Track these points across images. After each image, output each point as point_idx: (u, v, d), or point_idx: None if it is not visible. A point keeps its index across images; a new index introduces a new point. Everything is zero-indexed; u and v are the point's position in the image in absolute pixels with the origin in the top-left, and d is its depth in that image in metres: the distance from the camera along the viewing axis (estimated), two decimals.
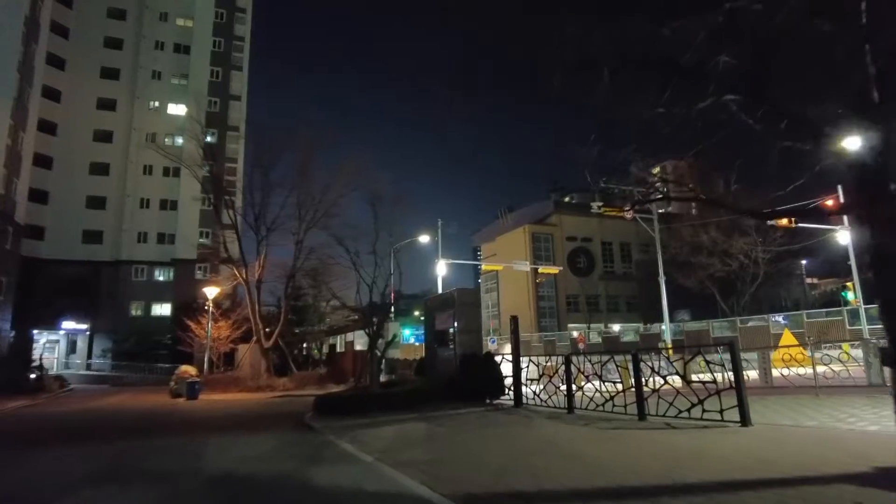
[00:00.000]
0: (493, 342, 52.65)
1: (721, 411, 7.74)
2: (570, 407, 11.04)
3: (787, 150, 5.31)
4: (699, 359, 8.73)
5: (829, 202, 29.82)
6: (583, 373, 11.43)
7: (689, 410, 8.32)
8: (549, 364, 13.81)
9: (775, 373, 11.39)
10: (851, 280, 26.88)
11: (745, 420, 7.40)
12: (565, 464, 5.93)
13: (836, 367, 10.11)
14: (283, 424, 12.79)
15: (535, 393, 12.58)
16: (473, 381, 13.84)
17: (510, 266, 40.64)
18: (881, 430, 6.56)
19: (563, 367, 11.58)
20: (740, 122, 5.41)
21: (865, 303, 25.36)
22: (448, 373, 14.69)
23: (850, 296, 28.30)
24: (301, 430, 11.46)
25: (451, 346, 15.03)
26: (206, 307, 29.56)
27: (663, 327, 33.32)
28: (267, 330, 28.04)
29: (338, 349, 34.18)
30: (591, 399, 10.64)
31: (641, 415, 9.13)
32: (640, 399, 9.14)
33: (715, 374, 8.18)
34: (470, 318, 14.53)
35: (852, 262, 25.40)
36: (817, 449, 5.71)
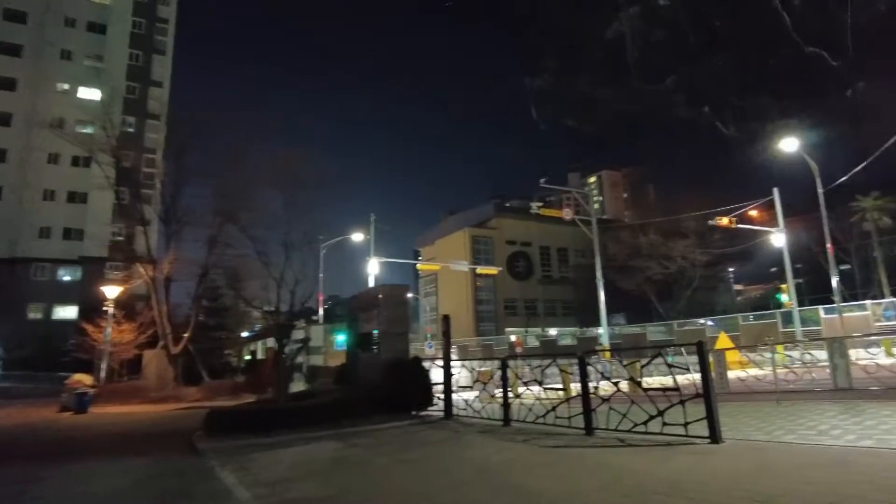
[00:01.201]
0: (431, 347, 51.19)
1: (686, 424, 6.40)
2: (507, 419, 9.56)
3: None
4: (656, 362, 7.42)
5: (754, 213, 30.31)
6: (520, 378, 9.98)
7: (645, 423, 6.96)
8: (483, 369, 12.37)
9: (731, 375, 10.32)
10: (785, 283, 27.19)
11: (715, 436, 6.08)
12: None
13: (799, 370, 9.10)
14: (167, 445, 10.63)
15: (466, 402, 11.05)
16: (399, 390, 12.14)
17: (447, 267, 39.19)
18: (878, 446, 5.37)
19: (499, 373, 10.10)
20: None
21: (798, 305, 25.60)
22: (372, 381, 12.93)
23: (784, 298, 28.68)
24: (183, 454, 9.39)
25: (376, 351, 13.27)
26: (106, 309, 26.39)
27: (600, 331, 32.73)
28: (184, 335, 25.30)
29: (259, 356, 31.58)
30: (531, 409, 9.18)
31: (589, 428, 7.72)
32: (588, 410, 7.74)
33: (676, 380, 6.85)
34: (397, 319, 12.83)
35: (787, 265, 25.57)
36: (821, 474, 4.39)
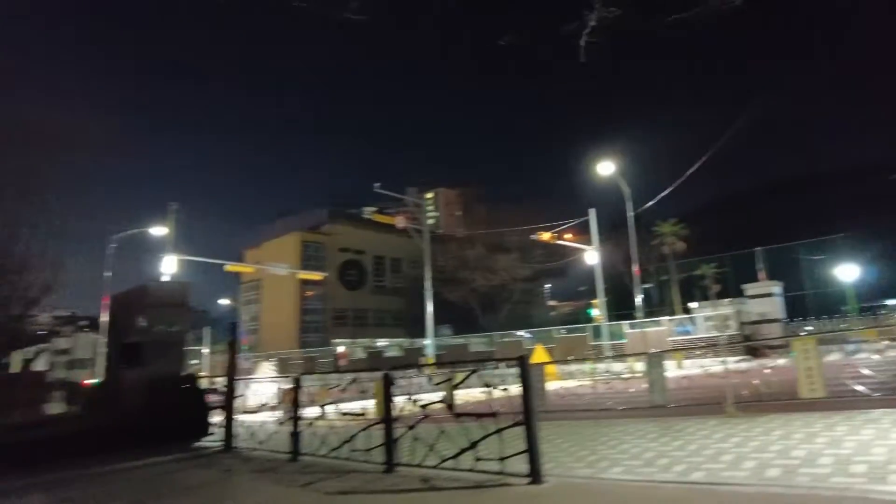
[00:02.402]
0: (247, 360, 47.01)
1: (502, 459, 5.13)
2: (295, 451, 7.68)
3: None
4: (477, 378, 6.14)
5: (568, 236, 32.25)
6: (314, 400, 8.21)
7: (456, 457, 5.58)
8: (290, 387, 10.35)
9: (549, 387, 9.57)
10: (595, 300, 29.02)
11: (536, 474, 4.87)
12: None
13: (619, 385, 8.56)
14: None
15: (263, 425, 8.98)
16: (166, 416, 9.59)
17: (269, 272, 35.85)
18: (712, 482, 4.55)
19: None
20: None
21: (608, 320, 27.42)
22: (135, 404, 10.13)
23: (594, 312, 30.65)
24: None
25: (144, 366, 10.47)
26: None
27: (427, 342, 32.09)
28: None
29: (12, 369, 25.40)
30: (324, 441, 7.42)
31: (390, 464, 6.18)
32: (390, 441, 6.19)
33: (492, 405, 5.58)
34: (170, 326, 10.22)
35: (599, 281, 27.21)
36: None
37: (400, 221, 30.98)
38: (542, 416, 9.37)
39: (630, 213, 25.41)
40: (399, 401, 6.59)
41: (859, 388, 6.68)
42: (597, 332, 28.96)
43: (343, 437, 7.14)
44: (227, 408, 9.27)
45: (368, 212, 30.13)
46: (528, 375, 5.14)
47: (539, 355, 26.24)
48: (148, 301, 10.45)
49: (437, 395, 6.48)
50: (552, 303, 73.96)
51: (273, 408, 13.17)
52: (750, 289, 29.39)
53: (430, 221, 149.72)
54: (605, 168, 26.36)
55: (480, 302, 43.74)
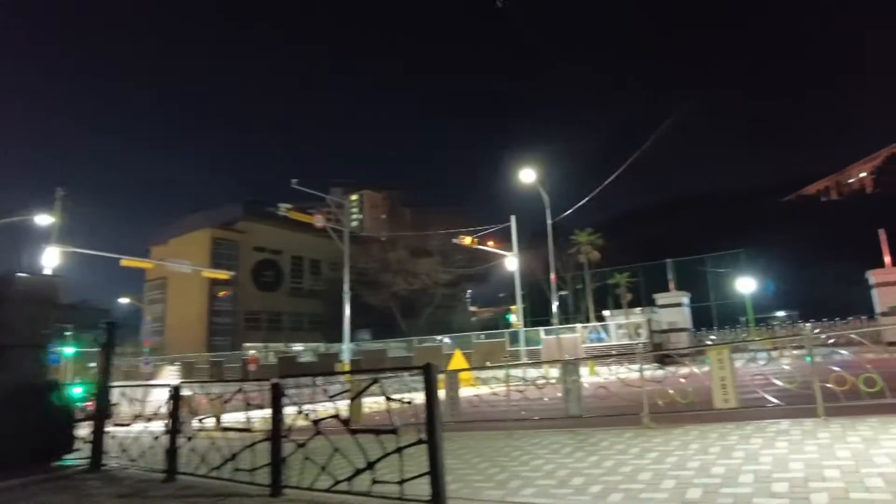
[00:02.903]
0: (148, 363, 43.79)
1: (402, 482, 4.49)
2: (171, 471, 6.68)
3: None
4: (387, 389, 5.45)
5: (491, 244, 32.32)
6: (193, 412, 7.24)
7: (352, 479, 4.88)
8: (187, 394, 9.16)
9: (464, 394, 9.05)
10: (514, 306, 29.12)
11: (439, 498, 4.26)
12: None
13: (534, 394, 8.16)
14: None
15: (123, 447, 7.81)
16: (24, 429, 8.20)
17: (165, 266, 33.35)
18: (629, 503, 4.11)
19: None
20: None
21: (525, 325, 27.55)
22: None
23: (512, 318, 30.76)
24: None
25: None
26: None
27: (344, 347, 30.96)
28: None
29: None
30: (204, 458, 6.48)
31: (277, 486, 5.38)
32: (277, 461, 5.40)
33: (394, 418, 4.93)
34: (27, 325, 8.81)
35: (517, 287, 27.30)
36: None
37: (318, 220, 29.68)
38: (455, 427, 8.84)
39: (549, 221, 25.67)
40: (291, 412, 5.80)
41: (770, 398, 6.60)
42: (514, 338, 29.02)
43: (226, 454, 6.23)
44: (98, 419, 8.07)
45: (284, 208, 28.61)
46: (434, 387, 4.53)
47: (457, 361, 25.88)
48: (7, 294, 8.96)
49: (340, 406, 5.74)
50: (473, 308, 74.41)
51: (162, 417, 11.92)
52: (660, 298, 30.57)
53: (354, 223, 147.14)
54: (527, 175, 26.52)
55: (401, 306, 42.93)
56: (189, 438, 6.92)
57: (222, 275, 36.84)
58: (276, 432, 5.49)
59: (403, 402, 5.03)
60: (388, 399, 5.02)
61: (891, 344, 20.90)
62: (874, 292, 25.45)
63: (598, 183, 27.10)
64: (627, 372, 8.90)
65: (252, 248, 63.08)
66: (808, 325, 7.08)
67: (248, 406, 6.50)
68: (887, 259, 27.76)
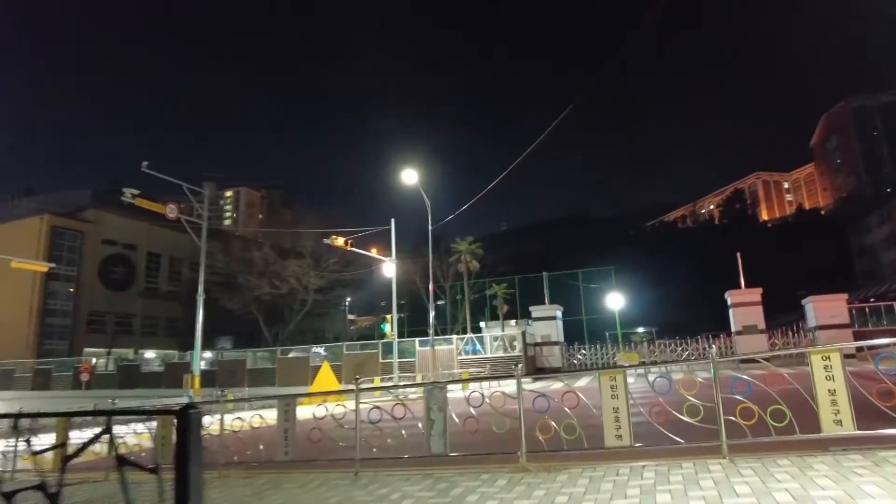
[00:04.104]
0: None
1: None
2: None
3: None
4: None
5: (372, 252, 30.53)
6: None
7: None
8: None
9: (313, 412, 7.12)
10: (390, 314, 27.44)
11: None
12: None
13: (398, 413, 6.45)
14: None
15: None
16: None
17: None
18: None
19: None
20: None
21: (399, 336, 25.93)
22: None
23: (387, 328, 28.98)
24: None
25: None
26: None
27: (195, 356, 27.31)
28: None
29: None
30: None
31: None
32: None
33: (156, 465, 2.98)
34: None
35: (394, 294, 25.63)
36: None
37: (171, 210, 25.91)
38: (291, 466, 6.92)
39: (430, 226, 24.39)
40: None
41: (670, 435, 5.44)
42: (388, 349, 27.30)
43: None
44: None
45: (130, 194, 24.63)
46: (193, 439, 2.67)
47: (324, 374, 23.60)
48: None
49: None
50: (352, 317, 71.62)
51: None
52: (535, 311, 30.46)
53: (228, 222, 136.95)
54: (409, 177, 25.04)
55: (266, 312, 39.26)
56: None
57: (38, 267, 31.23)
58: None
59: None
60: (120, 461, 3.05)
61: (742, 362, 22.15)
62: (731, 312, 26.95)
63: (486, 193, 26.38)
64: (504, 386, 7.54)
65: (101, 240, 55.74)
66: (713, 347, 5.95)
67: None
68: (743, 280, 29.80)
